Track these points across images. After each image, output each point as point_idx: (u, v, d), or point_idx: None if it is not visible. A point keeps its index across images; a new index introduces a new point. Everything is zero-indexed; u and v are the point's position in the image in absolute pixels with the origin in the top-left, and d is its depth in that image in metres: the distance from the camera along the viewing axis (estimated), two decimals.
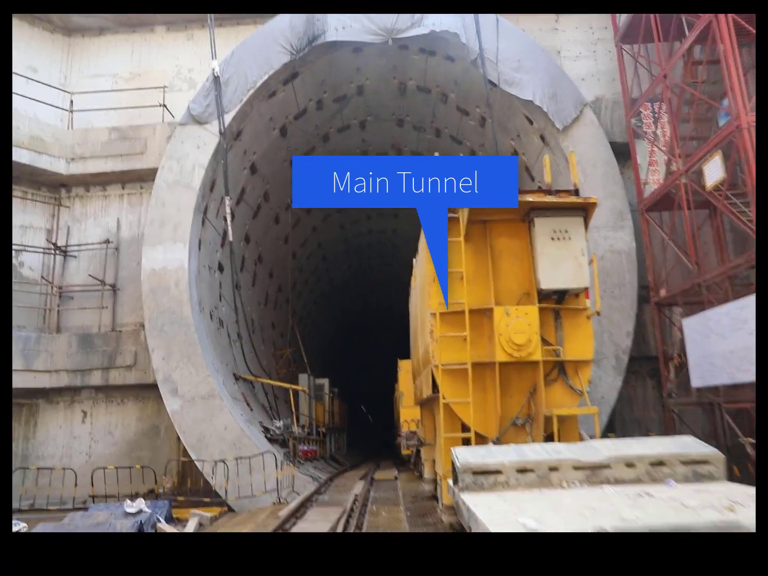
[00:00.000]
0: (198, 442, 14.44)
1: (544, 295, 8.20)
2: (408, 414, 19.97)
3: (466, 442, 7.66)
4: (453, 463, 5.90)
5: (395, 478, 15.98)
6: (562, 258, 8.03)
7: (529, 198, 8.19)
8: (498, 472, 5.58)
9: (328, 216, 28.01)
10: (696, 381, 11.79)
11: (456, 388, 7.65)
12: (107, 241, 16.96)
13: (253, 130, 18.01)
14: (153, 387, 15.02)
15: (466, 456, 5.75)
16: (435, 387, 7.83)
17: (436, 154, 8.96)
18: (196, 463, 13.93)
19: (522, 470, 5.58)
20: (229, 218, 16.80)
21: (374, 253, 35.26)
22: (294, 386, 20.15)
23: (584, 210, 8.23)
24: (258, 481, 13.32)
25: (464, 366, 7.65)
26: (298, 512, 11.19)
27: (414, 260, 11.53)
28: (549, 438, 7.73)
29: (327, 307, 36.67)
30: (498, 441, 7.60)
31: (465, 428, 7.82)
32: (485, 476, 5.57)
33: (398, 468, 21.90)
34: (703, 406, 13.39)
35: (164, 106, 17.92)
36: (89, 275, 16.56)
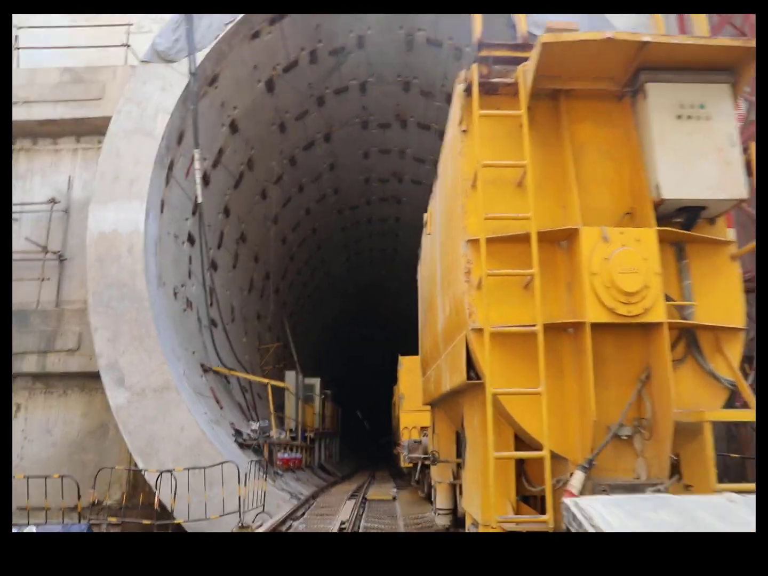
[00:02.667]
0: (147, 446, 11.58)
1: (663, 215, 4.86)
2: (410, 419, 17.08)
3: (520, 465, 4.55)
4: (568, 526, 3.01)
5: (393, 498, 13.05)
6: (696, 150, 4.73)
7: (646, 38, 4.56)
8: None
9: (323, 197, 25.22)
10: None
11: (511, 369, 4.30)
12: (53, 201, 14.14)
13: (233, 78, 15.23)
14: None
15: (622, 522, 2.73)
16: (471, 369, 4.40)
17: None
18: (144, 473, 11.07)
19: None
20: (198, 175, 14.00)
21: (375, 245, 32.43)
22: (275, 382, 17.28)
23: (733, 71, 4.78)
24: (217, 498, 10.45)
25: (528, 329, 4.30)
26: None
27: (430, 200, 8.17)
28: (674, 466, 4.47)
29: (322, 303, 33.79)
30: (589, 467, 4.25)
31: (517, 440, 4.50)
32: None
33: (396, 481, 18.99)
34: None
35: (128, 46, 15.17)
36: (26, 239, 13.73)
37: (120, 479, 13.21)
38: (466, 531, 4.93)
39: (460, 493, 7.33)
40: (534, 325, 4.30)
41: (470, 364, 4.25)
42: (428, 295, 6.83)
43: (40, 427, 13.51)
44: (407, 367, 17.28)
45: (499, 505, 4.06)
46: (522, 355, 4.31)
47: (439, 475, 7.49)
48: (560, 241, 4.72)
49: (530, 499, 4.77)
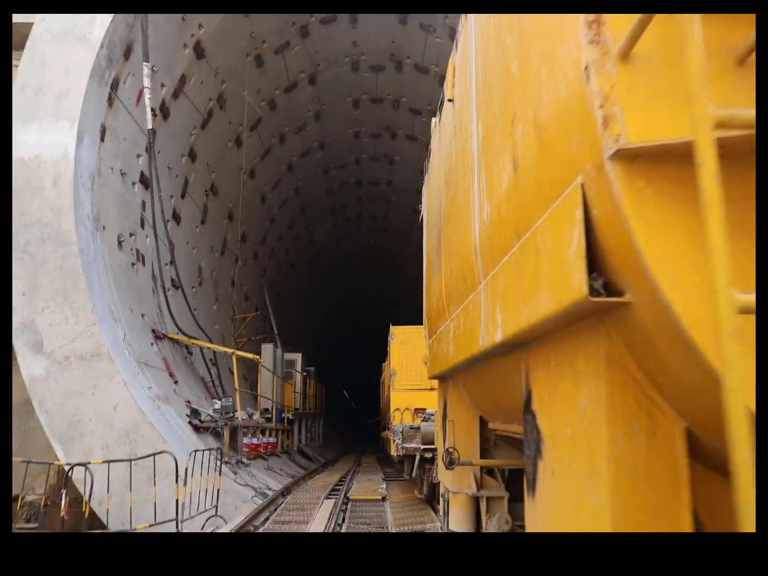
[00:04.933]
0: (70, 429, 9.11)
1: None
2: (402, 400, 14.64)
3: None
4: None
5: (383, 498, 10.51)
6: None
7: None
8: None
9: (308, 152, 22.57)
10: None
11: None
12: None
13: None
14: None
15: None
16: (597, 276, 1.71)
17: None
18: (63, 463, 8.58)
19: None
20: (147, 95, 11.37)
21: (365, 212, 29.82)
22: (242, 353, 14.74)
23: None
24: (156, 498, 7.97)
25: None
26: None
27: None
28: None
29: (306, 274, 31.20)
30: None
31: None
32: None
33: (384, 470, 16.58)
34: None
35: None
36: None
37: (47, 469, 10.75)
38: None
39: (487, 510, 4.88)
40: None
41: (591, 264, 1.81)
42: (451, 198, 4.14)
43: None
44: (400, 338, 14.81)
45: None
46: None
47: (455, 483, 4.95)
48: None
49: None
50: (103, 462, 7.50)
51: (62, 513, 6.98)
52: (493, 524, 4.56)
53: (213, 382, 14.95)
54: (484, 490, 4.89)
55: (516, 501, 5.10)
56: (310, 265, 30.98)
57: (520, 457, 5.14)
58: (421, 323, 7.72)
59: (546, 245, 1.87)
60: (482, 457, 4.97)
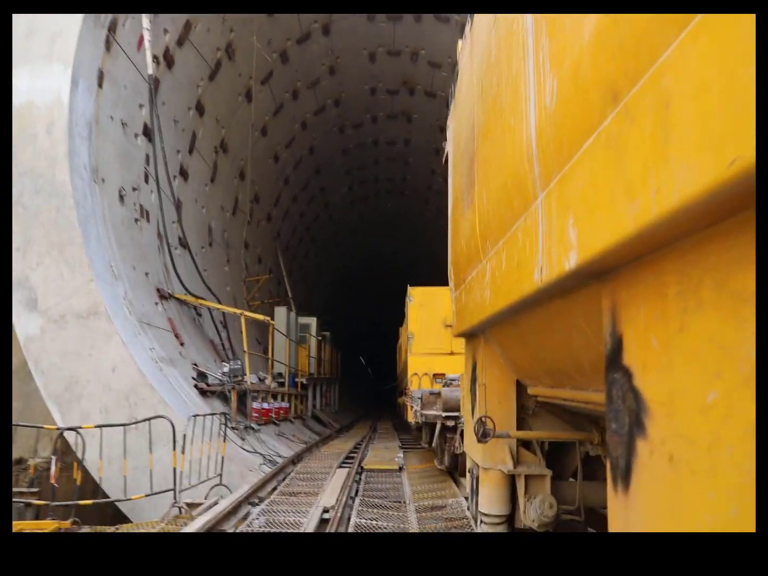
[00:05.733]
0: (66, 391, 8.59)
1: None
2: (420, 364, 13.99)
3: None
4: None
5: (399, 468, 9.86)
6: None
7: None
8: None
9: (322, 109, 21.65)
10: None
11: None
12: None
13: None
14: None
15: None
16: None
17: None
18: (54, 428, 8.03)
19: None
20: (147, 37, 10.59)
21: (381, 174, 28.89)
22: (251, 314, 14.11)
23: None
24: (156, 466, 7.42)
25: None
26: None
27: None
28: None
29: (321, 238, 30.47)
30: None
31: None
32: None
33: (400, 437, 16.04)
34: None
35: None
36: None
37: (50, 433, 10.29)
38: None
39: (526, 491, 4.18)
40: None
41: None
42: (490, 106, 3.31)
43: None
44: (419, 300, 14.10)
45: None
46: None
47: (487, 457, 4.22)
48: None
49: None
50: (95, 426, 6.93)
51: (52, 481, 6.43)
52: (534, 508, 3.88)
53: (223, 345, 14.40)
54: (521, 467, 4.19)
55: (559, 479, 4.43)
56: (326, 228, 30.23)
57: (566, 428, 4.44)
58: (441, 284, 7.01)
59: (690, 82, 1.13)
60: (519, 427, 4.28)
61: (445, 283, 5.86)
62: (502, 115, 3.21)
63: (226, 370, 11.51)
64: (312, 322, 22.56)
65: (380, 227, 34.40)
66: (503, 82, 3.17)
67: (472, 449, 4.76)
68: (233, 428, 10.19)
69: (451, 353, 13.83)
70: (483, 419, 3.75)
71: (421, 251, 35.27)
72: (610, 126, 1.51)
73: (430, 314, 13.76)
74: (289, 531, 5.70)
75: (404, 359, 16.51)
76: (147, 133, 11.98)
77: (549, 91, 2.23)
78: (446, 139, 6.46)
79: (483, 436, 3.66)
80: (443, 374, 13.02)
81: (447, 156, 6.29)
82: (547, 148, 2.29)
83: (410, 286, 14.59)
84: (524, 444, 4.36)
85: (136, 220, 11.41)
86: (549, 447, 4.44)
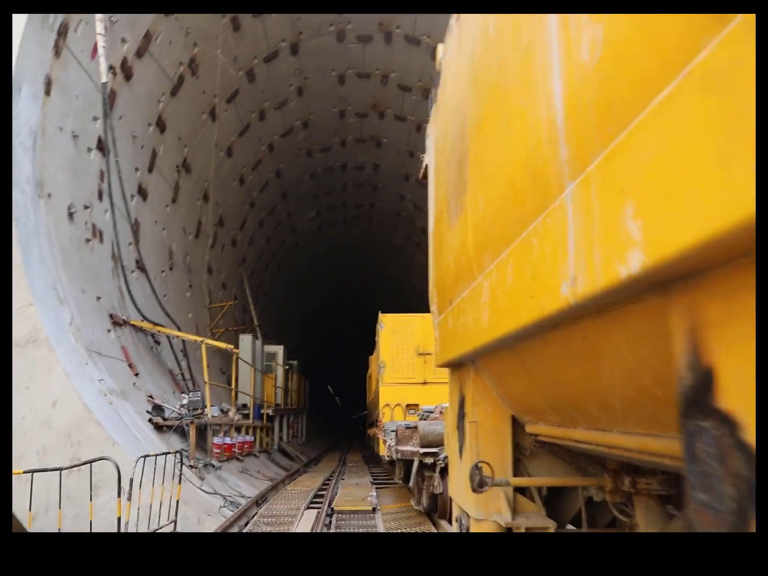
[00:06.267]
0: None
1: None
2: (392, 395, 13.26)
3: None
4: None
5: (373, 509, 8.99)
6: None
7: None
8: None
9: (290, 131, 21.08)
10: None
11: None
12: None
13: None
14: None
15: None
16: None
17: None
18: None
19: None
20: (100, 42, 9.89)
21: (350, 199, 28.38)
22: (212, 341, 13.28)
23: None
24: (96, 514, 6.55)
25: None
26: None
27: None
28: None
29: (288, 265, 29.70)
30: None
31: None
32: None
33: (372, 472, 15.20)
34: None
35: None
36: None
37: None
38: None
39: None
40: None
41: None
42: (487, 96, 2.78)
43: None
44: (390, 327, 13.42)
45: None
46: None
47: (480, 506, 3.53)
48: None
49: None
50: (24, 472, 6.06)
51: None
52: None
53: (183, 375, 13.50)
54: (520, 518, 3.50)
55: (558, 526, 3.76)
56: (293, 254, 29.49)
57: (568, 471, 3.79)
58: (406, 311, 6.46)
59: None
60: (515, 469, 3.62)
61: (410, 311, 5.24)
62: (506, 100, 2.60)
63: (185, 402, 10.66)
64: (279, 350, 21.73)
65: (348, 253, 33.79)
66: (508, 59, 2.58)
67: (460, 496, 4.07)
68: (191, 467, 9.32)
69: (425, 383, 13.16)
70: (479, 465, 3.09)
71: (390, 279, 34.80)
72: (711, 58, 0.90)
73: (402, 342, 13.09)
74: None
75: (375, 389, 15.77)
76: (101, 147, 11.22)
77: (588, 41, 1.63)
78: (425, 151, 5.84)
79: (479, 485, 2.99)
80: (417, 405, 12.33)
81: (426, 169, 5.68)
82: (583, 120, 1.67)
83: (381, 312, 13.92)
84: (520, 489, 3.70)
85: (88, 240, 10.58)
86: (547, 491, 3.79)
